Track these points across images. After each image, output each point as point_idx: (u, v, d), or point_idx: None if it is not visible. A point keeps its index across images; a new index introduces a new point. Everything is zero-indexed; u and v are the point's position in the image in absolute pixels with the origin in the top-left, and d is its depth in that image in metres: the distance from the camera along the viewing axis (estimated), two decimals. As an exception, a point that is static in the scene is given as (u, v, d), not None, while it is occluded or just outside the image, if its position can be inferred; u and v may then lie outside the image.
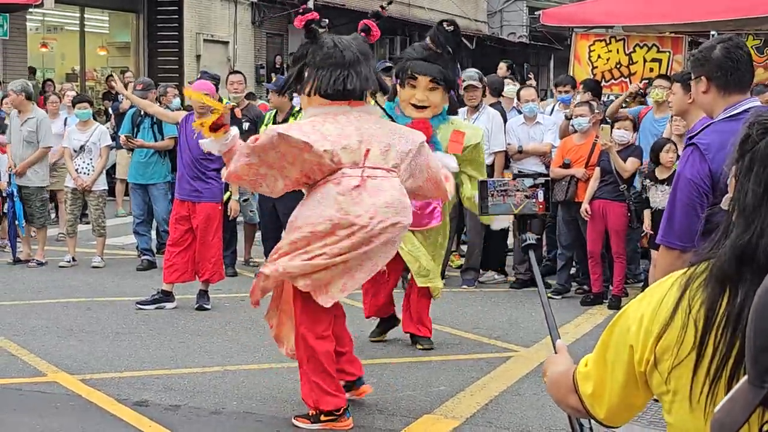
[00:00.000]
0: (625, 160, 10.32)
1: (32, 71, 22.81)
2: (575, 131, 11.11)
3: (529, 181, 4.02)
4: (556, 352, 2.85)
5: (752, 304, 1.66)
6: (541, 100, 16.15)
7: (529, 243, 3.82)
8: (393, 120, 7.63)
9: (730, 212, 2.24)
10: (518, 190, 3.98)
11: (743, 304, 2.09)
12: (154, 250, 12.53)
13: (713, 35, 14.81)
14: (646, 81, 14.03)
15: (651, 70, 14.79)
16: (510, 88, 13.54)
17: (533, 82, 19.28)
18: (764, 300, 1.65)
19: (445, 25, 8.58)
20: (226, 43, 27.11)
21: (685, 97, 7.58)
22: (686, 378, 2.22)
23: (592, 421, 2.60)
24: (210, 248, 10.11)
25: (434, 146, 8.17)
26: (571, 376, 2.57)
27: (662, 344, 2.26)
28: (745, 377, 1.66)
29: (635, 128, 11.13)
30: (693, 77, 4.60)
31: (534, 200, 3.98)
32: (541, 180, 4.06)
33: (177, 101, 14.51)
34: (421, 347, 8.69)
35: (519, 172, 10.97)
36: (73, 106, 13.37)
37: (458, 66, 8.56)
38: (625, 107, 12.82)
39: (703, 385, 2.17)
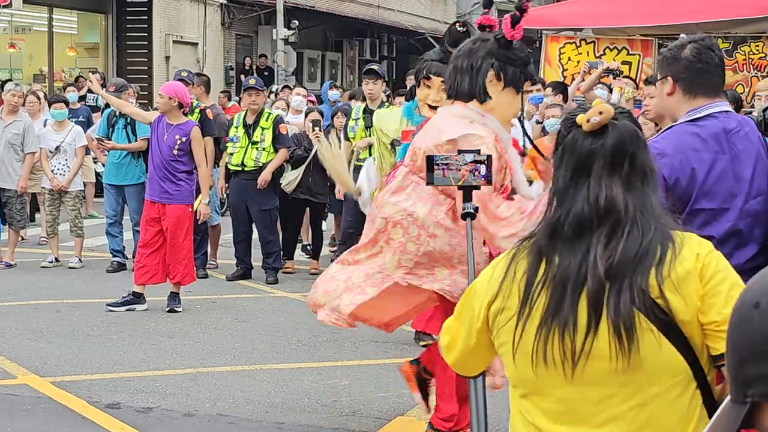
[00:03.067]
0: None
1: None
2: (545, 134, 11.15)
3: (470, 157, 4.53)
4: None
5: (729, 320, 1.72)
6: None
7: (467, 212, 4.39)
8: (409, 121, 7.72)
9: (550, 198, 2.68)
10: (461, 165, 4.50)
11: (556, 269, 2.58)
12: (125, 253, 12.45)
13: (683, 38, 14.91)
14: (625, 63, 14.11)
15: (621, 72, 14.84)
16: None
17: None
18: (740, 314, 1.70)
19: (457, 27, 8.57)
20: (195, 44, 27.02)
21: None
22: (510, 333, 2.64)
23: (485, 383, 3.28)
24: (181, 250, 10.06)
25: None
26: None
27: (494, 306, 2.69)
28: (728, 398, 1.71)
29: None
30: (659, 77, 4.37)
31: (475, 174, 4.50)
32: (482, 156, 4.54)
33: (132, 101, 14.42)
34: (424, 344, 8.71)
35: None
36: (50, 106, 13.29)
37: None
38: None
39: (534, 340, 2.59)
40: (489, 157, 4.58)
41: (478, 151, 4.61)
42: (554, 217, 2.64)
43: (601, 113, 2.60)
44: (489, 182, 4.56)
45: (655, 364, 2.54)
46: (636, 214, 2.57)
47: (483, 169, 4.52)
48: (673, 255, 2.55)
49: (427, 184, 4.67)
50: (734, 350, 1.71)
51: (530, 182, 5.66)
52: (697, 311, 2.54)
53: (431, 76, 8.42)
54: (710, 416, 2.57)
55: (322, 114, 13.27)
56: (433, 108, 8.39)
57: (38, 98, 14.74)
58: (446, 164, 4.53)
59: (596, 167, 2.60)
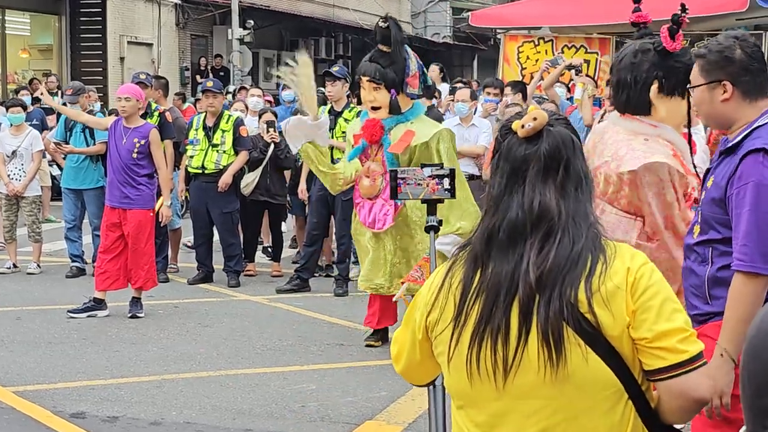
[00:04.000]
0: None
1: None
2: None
3: (428, 171, 4.57)
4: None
5: (744, 348, 1.68)
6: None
7: (431, 225, 4.47)
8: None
9: (486, 203, 2.68)
10: (420, 179, 4.55)
11: (489, 278, 2.57)
12: (84, 257, 12.32)
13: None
14: (585, 62, 14.15)
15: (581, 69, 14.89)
16: (443, 86, 13.54)
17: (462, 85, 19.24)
18: (756, 342, 1.66)
19: (380, 24, 8.51)
20: (150, 45, 26.84)
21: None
22: (446, 342, 2.64)
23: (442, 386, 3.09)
24: (142, 255, 9.96)
25: (383, 146, 8.32)
26: None
27: (431, 317, 2.68)
28: (744, 428, 1.68)
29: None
30: (702, 82, 3.98)
31: (435, 188, 4.55)
32: (444, 171, 4.59)
33: (97, 104, 14.29)
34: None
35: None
36: (6, 110, 13.13)
37: (410, 63, 8.38)
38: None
39: (468, 348, 2.58)
40: (452, 170, 4.62)
41: (441, 165, 4.66)
42: (490, 223, 2.62)
43: (535, 119, 2.59)
44: (453, 195, 4.60)
45: (584, 378, 2.52)
46: (568, 220, 2.56)
47: (446, 182, 4.55)
48: (603, 267, 2.54)
49: (390, 198, 4.72)
50: (750, 379, 1.67)
51: None
52: (626, 326, 2.53)
53: (360, 76, 8.44)
54: (646, 424, 2.60)
55: (275, 114, 13.20)
56: (373, 109, 8.39)
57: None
58: (404, 178, 4.56)
59: (530, 173, 2.59)
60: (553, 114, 2.67)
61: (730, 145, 3.96)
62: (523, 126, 2.60)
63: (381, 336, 8.82)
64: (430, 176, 4.54)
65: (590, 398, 2.53)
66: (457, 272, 2.65)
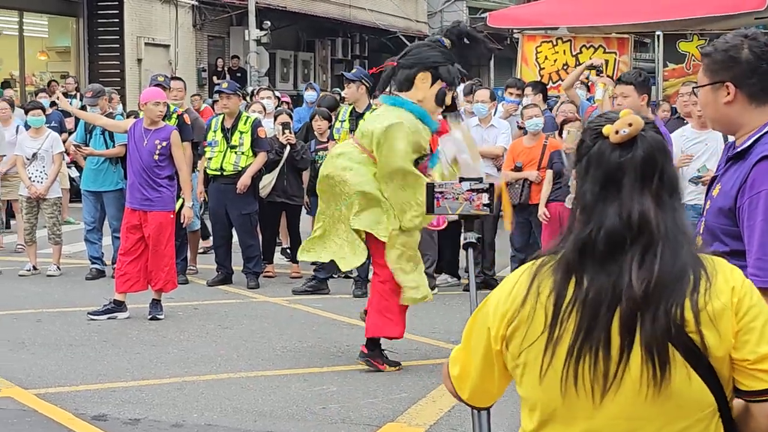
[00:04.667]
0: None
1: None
2: (524, 133, 11.15)
3: (466, 185, 4.39)
4: None
5: None
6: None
7: (469, 242, 4.25)
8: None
9: (573, 210, 2.56)
10: (458, 194, 4.37)
11: (588, 290, 2.45)
12: (104, 259, 12.35)
13: (658, 36, 14.97)
14: (604, 61, 14.13)
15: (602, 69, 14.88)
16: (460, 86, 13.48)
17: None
18: None
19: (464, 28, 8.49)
20: (167, 46, 26.89)
21: (638, 101, 7.57)
22: (535, 355, 2.52)
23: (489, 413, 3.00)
24: (163, 257, 9.98)
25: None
26: (448, 361, 2.85)
27: (514, 324, 2.56)
28: None
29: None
30: (707, 82, 3.75)
31: (474, 202, 4.37)
32: (483, 185, 4.40)
33: (119, 107, 14.34)
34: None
35: (461, 178, 10.90)
36: (26, 113, 13.18)
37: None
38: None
39: (564, 362, 2.47)
40: (491, 185, 4.48)
41: (480, 179, 4.52)
42: (584, 232, 2.50)
43: (630, 125, 2.49)
44: (491, 211, 4.47)
45: (685, 398, 2.46)
46: (668, 232, 2.47)
47: (485, 197, 4.42)
48: (707, 284, 2.46)
49: (427, 212, 4.57)
50: None
51: None
52: (730, 347, 2.46)
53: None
54: None
55: (290, 116, 13.24)
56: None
57: (11, 105, 14.62)
58: (441, 192, 4.41)
59: (627, 181, 2.48)
60: (645, 118, 2.57)
61: (738, 150, 3.69)
62: (617, 132, 2.50)
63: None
64: (468, 190, 4.40)
65: (688, 418, 2.48)
66: (545, 282, 2.54)
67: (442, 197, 4.40)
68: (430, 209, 4.45)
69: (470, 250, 4.19)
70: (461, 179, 4.47)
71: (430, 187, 4.44)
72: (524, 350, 2.56)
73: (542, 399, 2.56)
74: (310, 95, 16.56)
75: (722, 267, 2.53)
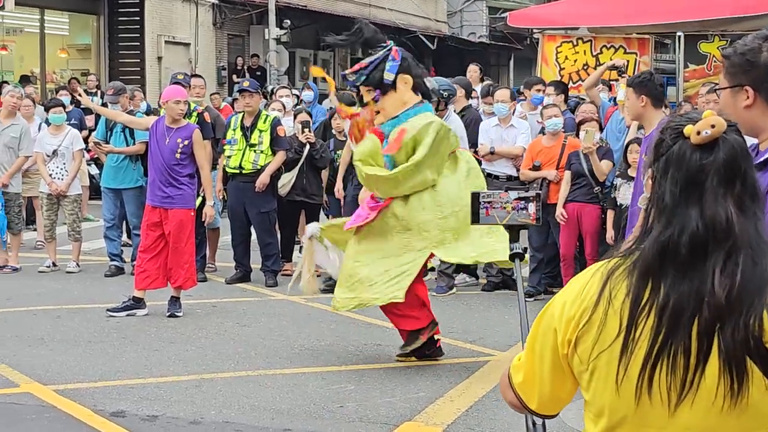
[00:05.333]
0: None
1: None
2: (543, 132, 11.13)
3: (514, 194, 4.29)
4: None
5: None
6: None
7: (515, 252, 4.12)
8: None
9: (649, 211, 2.47)
10: (505, 203, 4.28)
11: (668, 295, 2.36)
12: (123, 256, 12.39)
13: (679, 36, 14.92)
14: (625, 62, 14.08)
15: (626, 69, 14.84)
16: (479, 86, 13.52)
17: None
18: None
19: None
20: (187, 44, 26.95)
21: (637, 102, 7.54)
22: (607, 360, 2.44)
23: (545, 421, 2.88)
24: (182, 254, 10.01)
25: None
26: (508, 370, 2.74)
27: (584, 327, 2.47)
28: None
29: (601, 129, 11.21)
30: (727, 85, 3.69)
31: (522, 211, 4.27)
32: (530, 194, 4.31)
33: (144, 104, 14.36)
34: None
35: (488, 174, 10.91)
36: (47, 110, 13.24)
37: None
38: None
39: (641, 369, 2.39)
40: (538, 194, 4.44)
41: (526, 188, 4.48)
42: (664, 235, 2.41)
43: (713, 126, 2.42)
44: (537, 221, 4.42)
45: (760, 410, 2.40)
46: (749, 239, 2.39)
47: (531, 207, 4.38)
48: None
49: (472, 223, 4.45)
50: None
51: None
52: None
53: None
54: None
55: (310, 114, 13.25)
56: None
57: (33, 102, 14.70)
58: (489, 202, 4.32)
59: (709, 184, 2.40)
60: (728, 120, 2.49)
61: (762, 159, 3.59)
62: (699, 133, 2.42)
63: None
64: (516, 199, 4.31)
65: (762, 429, 2.42)
66: (619, 285, 2.46)
67: (490, 207, 4.33)
68: (475, 219, 4.37)
69: (517, 261, 4.10)
70: (507, 189, 4.43)
71: (476, 197, 4.36)
72: (595, 356, 2.49)
73: (613, 405, 2.49)
74: (307, 95, 16.49)
75: None
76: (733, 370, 2.35)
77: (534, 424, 2.98)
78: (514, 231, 4.29)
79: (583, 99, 12.84)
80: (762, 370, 2.37)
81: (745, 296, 2.35)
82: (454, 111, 11.43)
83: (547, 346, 2.60)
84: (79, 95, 11.40)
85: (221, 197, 12.50)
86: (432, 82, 9.99)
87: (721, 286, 2.35)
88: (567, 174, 10.56)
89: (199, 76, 13.38)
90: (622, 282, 2.45)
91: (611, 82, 13.35)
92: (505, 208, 4.30)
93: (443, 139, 8.18)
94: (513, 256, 4.16)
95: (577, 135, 10.95)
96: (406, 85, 8.24)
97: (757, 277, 2.37)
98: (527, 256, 4.36)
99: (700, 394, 2.39)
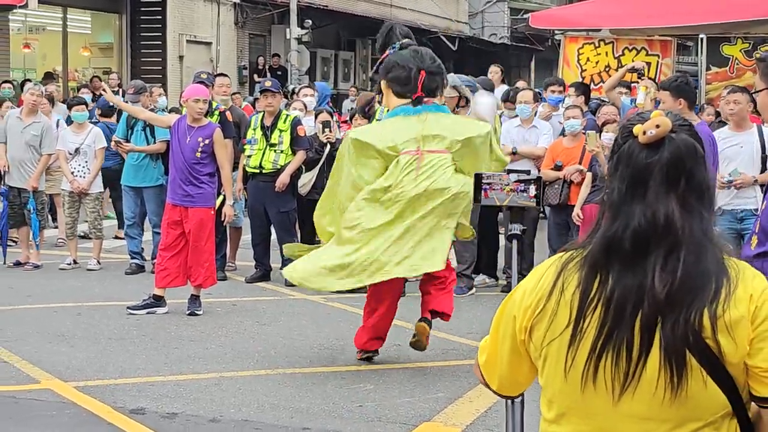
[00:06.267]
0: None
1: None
2: (563, 134, 11.11)
3: (513, 176, 4.46)
4: None
5: None
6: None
7: (514, 233, 4.25)
8: None
9: (602, 207, 2.58)
10: (505, 185, 4.43)
11: (613, 289, 2.47)
12: (143, 254, 12.43)
13: (702, 39, 14.87)
14: (646, 64, 14.04)
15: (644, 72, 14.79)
16: (502, 87, 13.51)
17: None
18: None
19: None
20: (208, 43, 27.02)
21: (675, 104, 7.53)
22: (557, 348, 2.56)
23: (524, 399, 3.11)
24: (203, 253, 10.03)
25: None
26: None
27: (538, 316, 2.59)
28: None
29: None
30: (765, 87, 3.81)
31: (522, 194, 4.43)
32: (531, 176, 4.46)
33: (163, 100, 14.39)
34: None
35: (508, 170, 10.87)
36: (69, 108, 13.29)
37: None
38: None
39: (587, 358, 2.50)
40: (539, 177, 4.49)
41: (527, 171, 4.51)
42: (610, 230, 2.52)
43: (658, 126, 2.49)
44: (538, 203, 4.46)
45: (700, 402, 2.48)
46: (692, 236, 2.47)
47: (531, 189, 4.41)
48: (727, 293, 2.46)
49: (474, 202, 4.60)
50: None
51: None
52: (745, 354, 2.47)
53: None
54: None
55: (331, 114, 13.24)
56: None
57: (51, 100, 14.74)
58: (489, 184, 4.45)
59: (653, 183, 2.49)
60: (678, 120, 2.57)
61: None
62: (644, 132, 2.51)
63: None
64: (516, 182, 4.43)
65: (700, 420, 2.50)
66: (571, 278, 2.56)
67: (489, 188, 4.45)
68: (477, 199, 4.48)
69: (515, 242, 4.19)
70: (508, 171, 4.48)
71: (478, 178, 4.46)
72: (547, 343, 2.60)
73: (561, 392, 2.60)
74: (309, 100, 16.38)
75: (745, 274, 2.52)
76: (673, 364, 2.44)
77: (512, 401, 3.17)
78: (514, 212, 4.42)
79: (604, 101, 12.80)
80: (701, 365, 2.44)
81: (686, 293, 2.44)
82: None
83: (507, 332, 2.71)
84: (104, 91, 11.41)
85: (241, 197, 12.51)
86: (455, 78, 9.99)
87: (661, 282, 2.44)
88: (588, 176, 10.54)
89: (225, 75, 13.39)
90: (575, 274, 2.56)
91: (632, 84, 13.30)
92: (504, 189, 4.45)
93: (342, 156, 8.24)
94: (511, 237, 4.28)
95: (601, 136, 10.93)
96: (386, 89, 8.21)
97: (699, 274, 2.46)
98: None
99: (642, 385, 2.48)
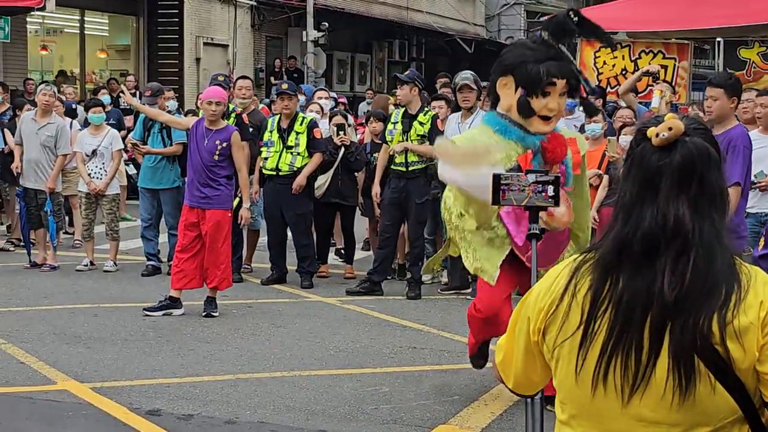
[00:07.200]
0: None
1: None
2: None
3: (532, 177, 4.48)
4: None
5: None
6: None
7: (533, 233, 4.34)
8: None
9: (615, 210, 2.58)
10: (523, 185, 4.45)
11: (623, 291, 2.47)
12: (160, 256, 12.47)
13: (719, 42, 14.84)
14: (662, 67, 14.01)
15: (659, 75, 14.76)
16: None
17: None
18: None
19: (572, 15, 6.90)
20: (225, 46, 27.07)
21: (728, 103, 7.50)
22: (569, 350, 2.56)
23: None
24: (219, 255, 10.05)
25: (565, 167, 6.87)
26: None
27: (551, 317, 2.59)
28: None
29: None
30: None
31: (540, 194, 4.44)
32: (549, 177, 4.48)
33: (173, 102, 14.41)
34: None
35: (526, 170, 10.84)
36: (86, 110, 13.33)
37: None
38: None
39: (597, 360, 2.50)
40: (557, 177, 4.49)
41: (546, 172, 4.52)
42: (621, 233, 2.52)
43: (670, 129, 2.49)
44: (556, 204, 4.46)
45: (707, 406, 2.47)
46: (702, 240, 2.46)
47: (550, 189, 4.42)
48: (737, 299, 2.44)
49: (492, 203, 4.59)
50: None
51: None
52: (755, 360, 2.46)
53: (555, 80, 6.52)
54: None
55: (346, 117, 13.26)
56: (546, 119, 6.64)
57: (62, 102, 14.78)
58: (508, 184, 4.45)
59: (664, 185, 2.49)
60: (692, 123, 2.56)
61: None
62: (657, 135, 2.51)
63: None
64: (534, 182, 4.45)
65: (709, 425, 2.49)
66: (584, 281, 2.56)
67: (508, 189, 4.46)
68: (495, 200, 4.48)
69: (534, 242, 4.21)
70: (527, 171, 4.49)
71: (496, 179, 4.47)
72: (558, 345, 2.60)
73: (573, 393, 2.60)
74: (325, 104, 16.40)
75: (756, 280, 2.51)
76: (681, 368, 2.43)
77: (531, 400, 3.23)
78: (532, 212, 4.46)
79: (621, 105, 12.77)
80: (709, 370, 2.43)
81: (695, 296, 2.43)
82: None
83: (522, 332, 2.72)
84: (122, 92, 11.45)
85: (257, 199, 12.54)
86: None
87: (670, 285, 2.43)
88: (605, 179, 10.52)
89: (247, 78, 13.41)
90: (587, 276, 2.56)
91: (650, 87, 13.28)
92: (523, 190, 4.46)
93: None
94: (530, 236, 4.35)
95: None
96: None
97: (710, 278, 2.44)
98: None
99: (651, 388, 2.47)
